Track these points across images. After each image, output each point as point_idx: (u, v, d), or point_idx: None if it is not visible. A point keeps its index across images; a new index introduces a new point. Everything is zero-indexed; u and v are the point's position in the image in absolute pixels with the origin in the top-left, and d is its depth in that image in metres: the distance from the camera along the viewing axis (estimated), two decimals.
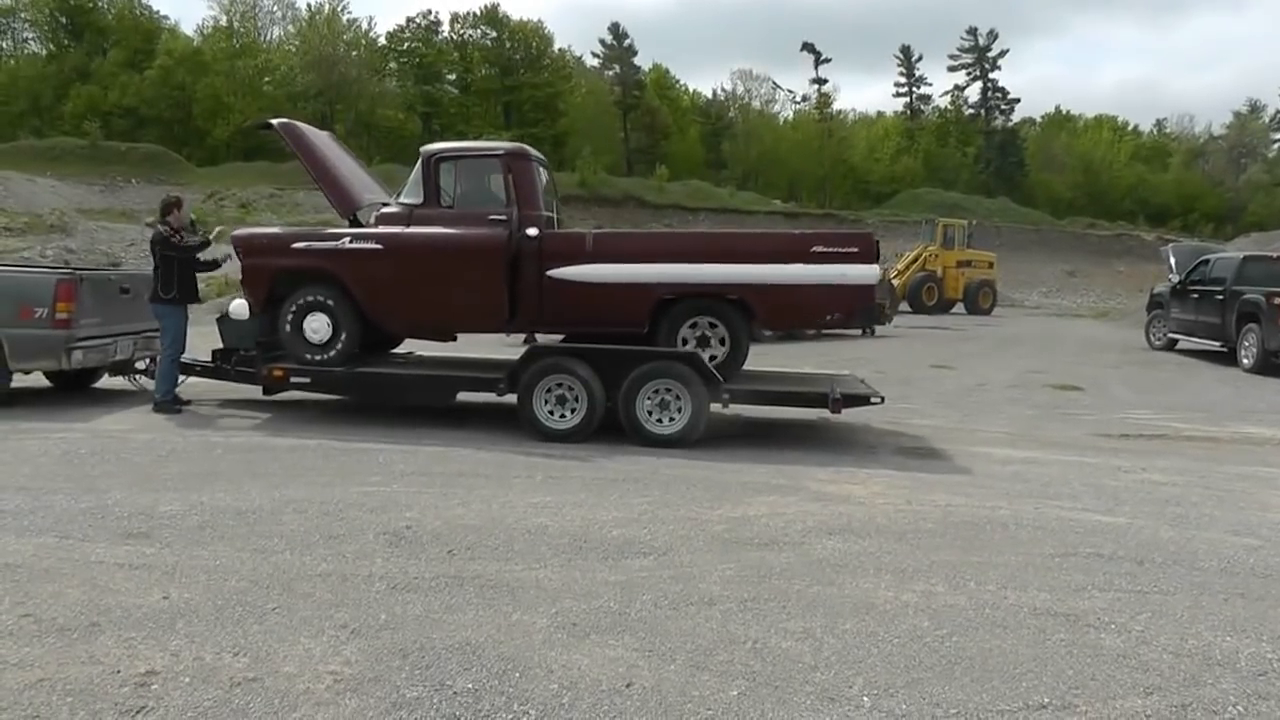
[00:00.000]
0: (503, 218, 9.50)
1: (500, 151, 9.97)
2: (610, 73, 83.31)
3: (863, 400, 9.29)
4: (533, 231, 9.45)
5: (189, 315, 10.43)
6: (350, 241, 9.66)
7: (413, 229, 9.62)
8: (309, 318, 9.78)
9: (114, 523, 6.03)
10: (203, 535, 5.83)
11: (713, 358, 9.38)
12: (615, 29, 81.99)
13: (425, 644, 4.31)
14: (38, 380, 11.27)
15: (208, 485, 7.03)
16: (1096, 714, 3.85)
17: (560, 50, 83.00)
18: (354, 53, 75.93)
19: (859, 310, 9.36)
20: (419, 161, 9.88)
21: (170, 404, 10.09)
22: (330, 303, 9.75)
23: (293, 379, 9.90)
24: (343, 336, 9.77)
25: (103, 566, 5.22)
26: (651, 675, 4.07)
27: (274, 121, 10.71)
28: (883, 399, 9.35)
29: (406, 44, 79.73)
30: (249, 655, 4.15)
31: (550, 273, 9.43)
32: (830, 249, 9.25)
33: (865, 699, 3.92)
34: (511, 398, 9.31)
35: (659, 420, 9.08)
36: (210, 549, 5.58)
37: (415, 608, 4.76)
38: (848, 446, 9.48)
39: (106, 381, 11.81)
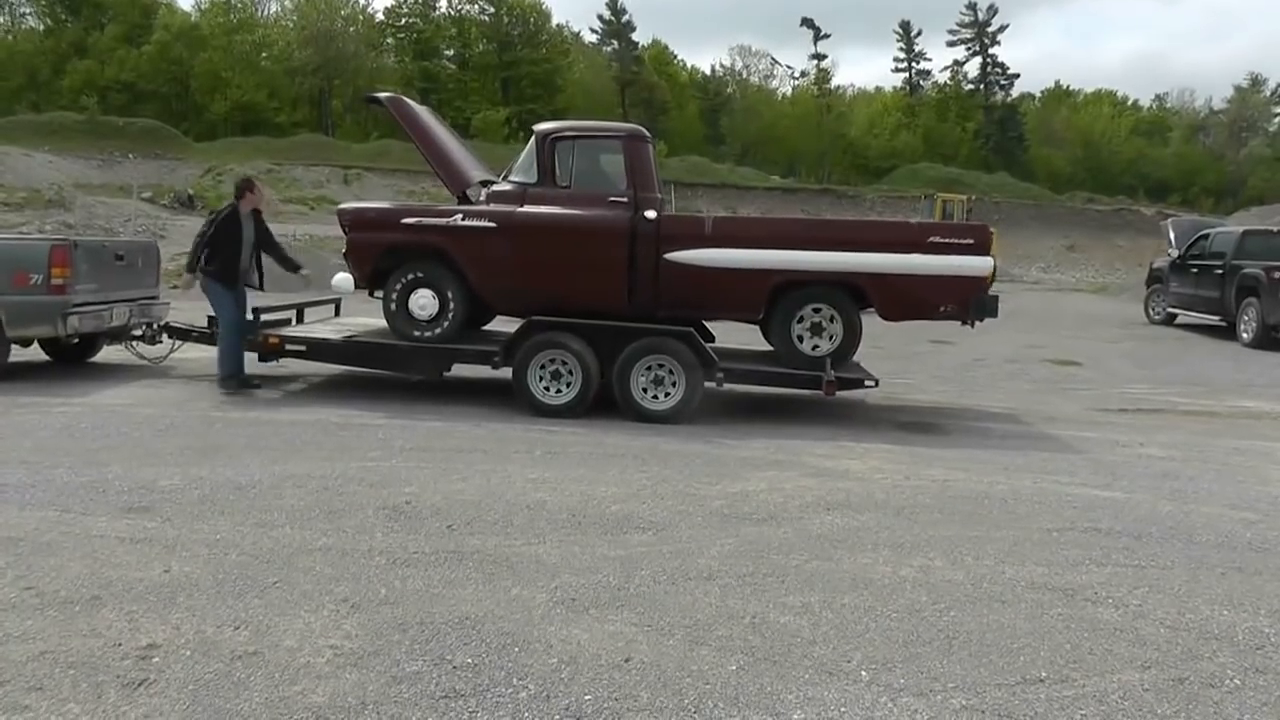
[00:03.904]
0: (624, 200, 9.43)
1: (621, 133, 9.90)
2: (608, 49, 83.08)
3: (857, 384, 9.31)
4: (651, 214, 9.36)
5: (243, 295, 10.16)
6: (463, 219, 9.56)
7: (528, 208, 9.51)
8: (415, 294, 9.66)
9: (115, 497, 6.04)
10: (203, 510, 5.84)
11: (815, 347, 9.40)
12: (613, 5, 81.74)
13: (425, 618, 4.33)
14: (36, 354, 11.26)
15: (207, 460, 7.03)
16: (1094, 687, 3.87)
17: (558, 26, 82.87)
18: (351, 28, 75.70)
19: (973, 301, 9.27)
20: (532, 140, 9.78)
21: (232, 380, 9.88)
22: (438, 279, 9.66)
23: (288, 347, 9.89)
24: (450, 313, 9.66)
25: (104, 540, 5.24)
26: (650, 650, 4.09)
27: (382, 96, 10.56)
28: (877, 382, 9.35)
29: (404, 19, 79.49)
30: (250, 629, 4.16)
31: (667, 256, 9.33)
32: (946, 240, 9.26)
33: (864, 673, 3.94)
34: (507, 372, 9.31)
35: (654, 397, 9.09)
36: (210, 523, 5.59)
37: (415, 582, 4.77)
38: (846, 422, 9.49)
39: (105, 356, 11.80)
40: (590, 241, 9.42)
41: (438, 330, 9.65)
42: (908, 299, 9.37)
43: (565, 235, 9.44)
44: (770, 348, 9.90)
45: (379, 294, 9.95)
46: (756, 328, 10.16)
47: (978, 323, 9.47)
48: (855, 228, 10.84)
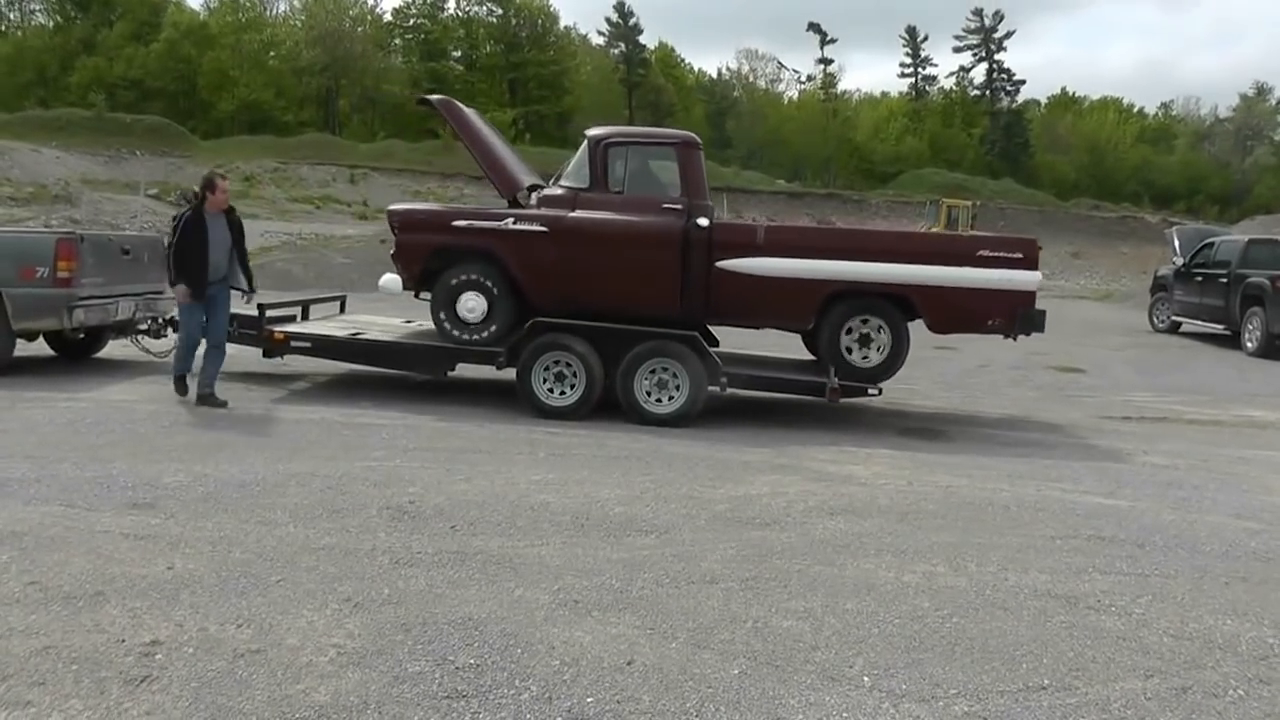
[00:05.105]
0: (678, 207, 9.40)
1: (674, 139, 9.90)
2: (615, 51, 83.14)
3: (860, 390, 9.33)
4: (703, 221, 9.33)
5: (224, 299, 9.42)
6: (514, 222, 9.53)
7: (579, 213, 9.48)
8: (464, 296, 9.58)
9: (119, 493, 6.05)
10: (207, 507, 5.85)
11: (865, 358, 9.37)
12: (620, 7, 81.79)
13: (428, 619, 4.33)
14: (41, 349, 11.28)
15: (211, 457, 7.04)
16: (1096, 695, 3.86)
17: (566, 28, 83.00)
18: (359, 28, 75.87)
19: (1021, 315, 9.29)
20: (584, 145, 9.77)
21: (179, 381, 9.31)
22: (488, 282, 9.58)
23: (293, 344, 9.87)
24: (499, 316, 9.59)
25: (108, 536, 5.25)
26: (653, 653, 4.09)
27: (434, 98, 10.53)
28: (880, 389, 9.38)
29: (412, 20, 79.54)
30: (253, 627, 4.17)
31: (719, 264, 9.31)
32: (996, 253, 9.26)
33: (866, 679, 3.93)
34: (511, 373, 9.31)
35: (657, 400, 9.09)
36: (214, 520, 5.59)
37: (418, 582, 4.78)
38: (850, 427, 9.49)
39: (109, 351, 11.82)
40: (643, 247, 9.39)
41: (486, 333, 9.58)
42: (957, 312, 9.38)
43: (618, 240, 9.40)
44: (778, 352, 9.89)
45: (425, 295, 9.90)
46: (755, 333, 10.16)
47: (1023, 336, 9.47)
48: (906, 239, 10.77)
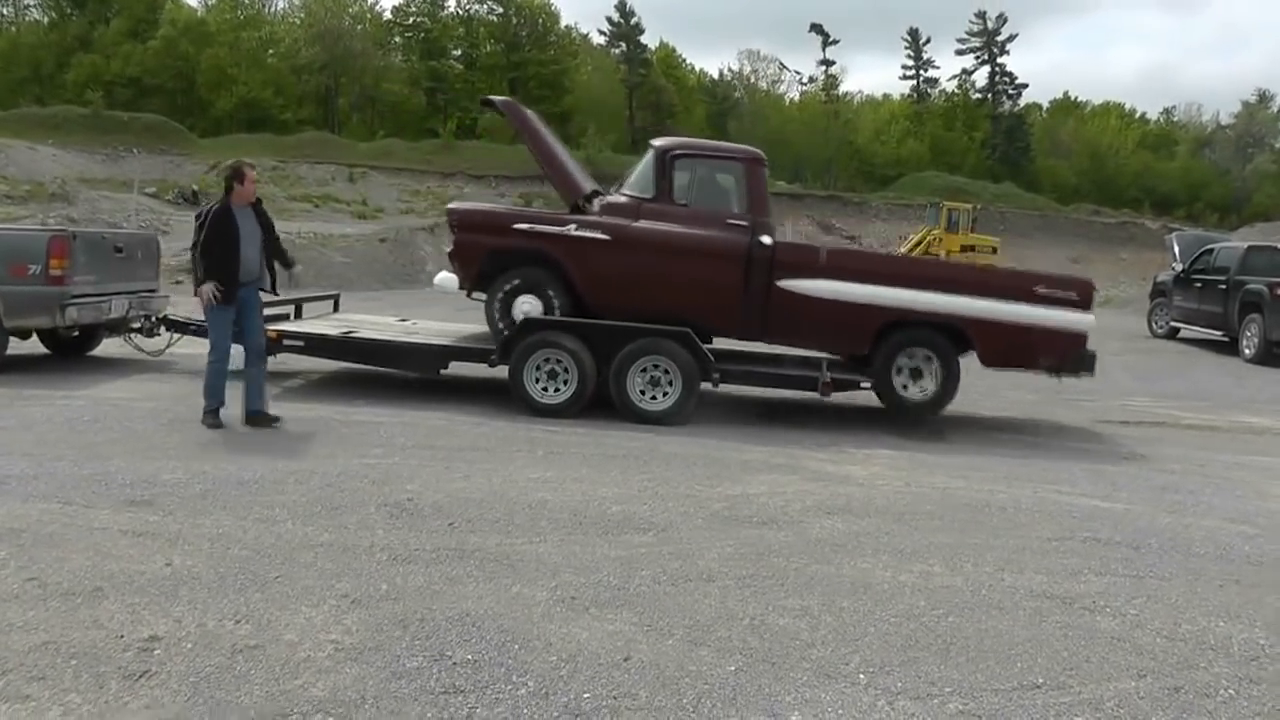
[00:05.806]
0: (743, 223, 9.39)
1: (741, 155, 9.92)
2: (616, 51, 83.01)
3: (853, 384, 9.34)
4: (766, 240, 9.33)
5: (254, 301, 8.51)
6: (577, 228, 9.51)
7: (644, 223, 9.47)
8: (520, 299, 9.56)
9: (117, 490, 6.06)
10: (205, 504, 5.86)
11: (922, 389, 9.37)
12: (622, 7, 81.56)
13: (425, 615, 4.34)
14: (35, 347, 11.27)
15: (209, 454, 7.05)
16: (1090, 695, 3.88)
17: (567, 27, 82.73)
18: (359, 26, 75.71)
19: (1071, 356, 9.32)
20: (650, 154, 9.78)
21: (211, 414, 8.14)
22: (545, 286, 9.56)
23: (285, 342, 9.85)
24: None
25: (106, 533, 5.26)
26: (650, 649, 4.10)
27: (497, 100, 10.50)
28: (873, 384, 9.40)
29: (412, 18, 79.38)
30: (251, 623, 4.18)
31: (780, 283, 9.28)
32: (1051, 291, 9.30)
33: (861, 676, 3.95)
34: (503, 370, 9.32)
35: (650, 397, 9.10)
36: (213, 517, 5.60)
37: (416, 579, 4.79)
38: (848, 427, 9.50)
39: (105, 349, 11.80)
40: (707, 262, 9.38)
41: None
42: (1011, 347, 9.37)
43: (683, 253, 9.38)
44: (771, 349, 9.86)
45: (479, 296, 9.90)
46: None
47: (1059, 376, 9.53)
48: (966, 271, 10.76)
